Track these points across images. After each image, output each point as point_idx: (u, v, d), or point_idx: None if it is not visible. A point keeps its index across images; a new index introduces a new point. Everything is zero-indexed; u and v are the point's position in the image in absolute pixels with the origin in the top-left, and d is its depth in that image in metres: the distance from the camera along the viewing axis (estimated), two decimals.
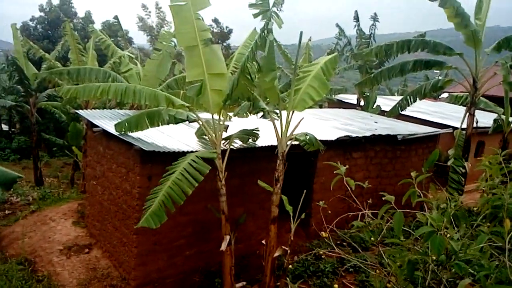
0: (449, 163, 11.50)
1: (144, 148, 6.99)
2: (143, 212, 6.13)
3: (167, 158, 7.05)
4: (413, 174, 2.68)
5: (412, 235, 2.73)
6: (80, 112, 10.06)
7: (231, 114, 8.40)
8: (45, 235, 9.60)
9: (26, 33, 26.60)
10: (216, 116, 7.44)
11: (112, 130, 7.87)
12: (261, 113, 8.17)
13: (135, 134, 7.65)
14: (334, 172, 3.01)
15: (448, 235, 2.29)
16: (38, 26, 29.14)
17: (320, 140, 7.67)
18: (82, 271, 8.24)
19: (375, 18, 18.59)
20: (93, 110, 10.76)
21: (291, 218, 7.18)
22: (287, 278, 7.41)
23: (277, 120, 7.48)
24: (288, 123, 7.29)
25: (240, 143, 8.13)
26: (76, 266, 8.39)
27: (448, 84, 12.73)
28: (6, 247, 9.43)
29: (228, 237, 7.41)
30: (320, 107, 21.09)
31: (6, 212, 12.14)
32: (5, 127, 24.57)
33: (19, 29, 17.01)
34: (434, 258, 2.45)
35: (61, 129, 21.62)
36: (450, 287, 2.80)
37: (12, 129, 24.86)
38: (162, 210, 6.01)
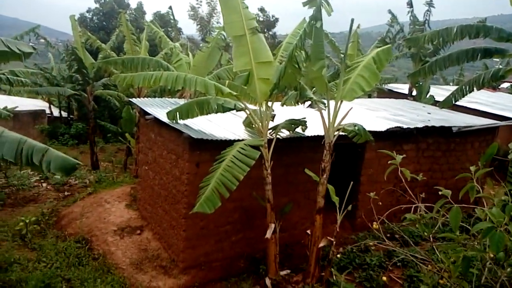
0: (509, 157, 10.78)
1: (193, 136, 7.19)
2: (196, 198, 6.33)
3: (215, 146, 7.21)
4: (472, 168, 2.55)
5: (467, 231, 2.62)
6: (133, 100, 10.49)
7: (278, 103, 8.41)
8: (101, 216, 10.18)
9: (83, 24, 27.94)
10: (263, 105, 7.48)
11: (163, 117, 8.15)
12: (308, 103, 8.09)
13: (185, 122, 7.87)
14: (389, 162, 2.93)
15: (510, 232, 2.18)
16: (94, 17, 30.49)
17: (369, 131, 7.48)
18: (134, 251, 8.67)
19: (430, 3, 17.62)
20: (145, 98, 11.19)
21: (337, 209, 7.10)
22: (332, 269, 7.37)
23: (325, 110, 7.39)
24: (336, 113, 7.18)
25: (287, 132, 8.12)
26: (128, 246, 8.84)
27: (509, 73, 11.84)
28: (65, 226, 10.11)
29: (273, 225, 7.48)
30: (369, 97, 20.51)
31: (66, 193, 13.00)
32: (64, 114, 26.12)
33: (77, 20, 17.87)
34: (492, 255, 2.34)
35: (115, 117, 22.66)
36: (507, 286, 2.66)
37: (71, 116, 26.38)
38: (215, 196, 6.19)
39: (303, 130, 8.07)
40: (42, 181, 14.03)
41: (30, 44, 9.27)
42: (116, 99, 20.31)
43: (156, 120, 8.72)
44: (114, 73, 14.01)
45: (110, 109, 23.30)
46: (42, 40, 18.49)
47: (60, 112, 25.92)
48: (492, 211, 2.24)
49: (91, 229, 9.62)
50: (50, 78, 21.02)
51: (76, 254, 8.52)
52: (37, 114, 23.01)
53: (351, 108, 7.29)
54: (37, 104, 26.11)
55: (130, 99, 11.10)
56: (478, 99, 17.86)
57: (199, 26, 33.75)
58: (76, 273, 7.75)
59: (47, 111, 24.65)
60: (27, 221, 9.48)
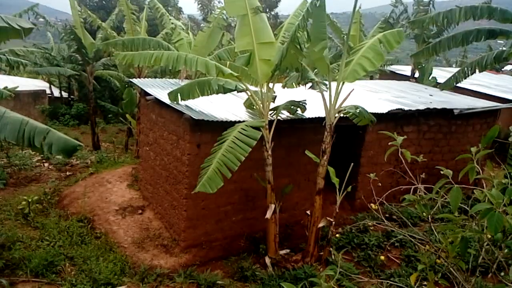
0: (510, 139, 10.79)
1: (194, 117, 7.18)
2: (197, 179, 6.37)
3: (216, 127, 7.21)
4: (473, 149, 2.56)
5: (466, 212, 2.64)
6: (134, 80, 10.43)
7: (279, 84, 8.36)
8: (102, 195, 10.27)
9: (83, 3, 27.50)
10: (264, 87, 7.45)
11: (164, 98, 8.12)
12: (310, 84, 8.05)
13: (185, 103, 7.85)
14: (389, 144, 2.94)
15: (508, 214, 2.20)
16: None
17: (370, 113, 7.47)
18: (136, 230, 8.78)
19: None
20: (145, 79, 11.13)
21: (337, 191, 7.16)
22: (331, 249, 7.48)
23: (326, 91, 7.36)
24: (337, 94, 7.15)
25: (288, 114, 8.11)
26: (130, 226, 8.95)
27: None
28: (68, 206, 10.20)
29: (273, 206, 7.56)
30: (371, 78, 20.36)
31: (67, 173, 13.08)
32: (65, 95, 26.00)
33: None
34: (490, 236, 2.37)
35: (116, 97, 22.56)
36: (504, 267, 2.71)
37: (71, 96, 26.26)
38: (218, 176, 6.22)
39: (302, 112, 8.05)
40: (44, 161, 14.09)
41: None
42: (117, 79, 20.17)
43: (157, 101, 8.69)
44: (114, 53, 13.91)
45: (110, 89, 23.17)
46: (41, 19, 18.21)
47: (60, 93, 25.80)
48: (492, 192, 2.26)
49: (93, 208, 9.72)
50: (50, 58, 20.85)
51: (78, 233, 8.63)
52: (37, 94, 22.88)
53: (353, 89, 7.26)
54: (37, 84, 25.97)
55: (131, 80, 11.04)
56: (481, 81, 17.73)
57: (200, 5, 33.28)
58: (79, 251, 7.87)
59: (48, 91, 24.52)
60: (30, 200, 9.56)
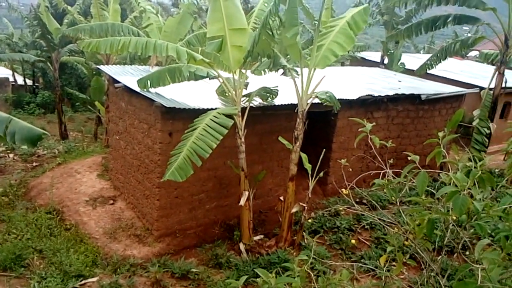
0: (474, 123, 11.23)
1: (165, 105, 7.05)
2: (168, 166, 6.28)
3: (188, 115, 7.11)
4: (440, 134, 2.63)
5: (433, 195, 2.73)
6: (102, 67, 10.11)
7: (250, 71, 8.31)
8: (72, 186, 10.00)
9: None
10: (236, 73, 7.38)
11: (133, 86, 7.92)
12: (282, 71, 8.04)
13: (156, 90, 7.69)
14: (359, 130, 2.98)
15: (471, 196, 2.29)
16: None
17: (341, 99, 7.56)
18: (107, 221, 8.63)
19: None
20: (114, 65, 10.80)
21: (309, 176, 7.25)
22: (304, 233, 7.61)
23: (298, 77, 7.37)
24: (309, 81, 7.18)
25: (260, 101, 8.09)
26: (101, 216, 8.78)
27: (479, 41, 12.15)
28: (35, 197, 9.89)
29: (247, 192, 7.58)
30: (342, 64, 20.58)
31: (34, 164, 12.64)
32: (29, 82, 24.97)
33: None
34: (455, 218, 2.46)
35: (83, 85, 21.88)
36: (468, 247, 2.83)
37: (36, 84, 25.25)
38: (187, 164, 6.15)
39: (273, 99, 8.04)
40: (8, 151, 13.55)
41: None
42: (84, 66, 19.51)
43: (127, 88, 8.47)
44: (80, 38, 13.41)
45: (77, 76, 22.45)
46: (3, 4, 17.32)
47: (24, 80, 24.79)
48: (456, 175, 2.34)
49: (62, 199, 9.46)
50: (12, 44, 19.91)
51: (47, 225, 8.38)
52: (0, 82, 21.90)
53: (324, 76, 7.30)
54: None
55: (99, 67, 10.70)
56: (448, 67, 18.23)
57: None
58: (48, 244, 7.65)
59: (11, 79, 23.49)
60: None
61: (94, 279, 6.80)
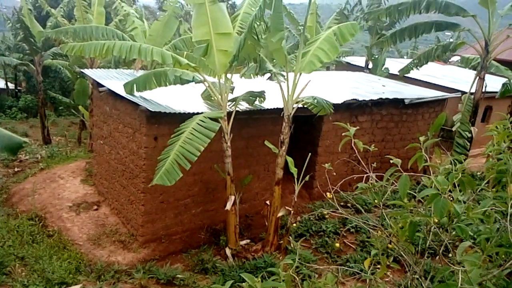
0: (455, 127, 11.45)
1: (150, 109, 7.00)
2: (155, 171, 6.23)
3: (174, 119, 7.08)
4: (421, 138, 2.68)
5: (415, 198, 2.77)
6: (86, 71, 10.00)
7: (237, 75, 8.32)
8: (55, 192, 9.83)
9: None
10: (222, 78, 7.38)
11: (118, 89, 7.85)
12: (268, 75, 8.07)
13: (141, 94, 7.63)
14: (343, 134, 3.02)
15: (452, 199, 2.33)
16: None
17: (327, 103, 7.62)
18: (91, 227, 8.50)
19: None
20: (98, 69, 10.69)
21: (295, 180, 7.27)
22: (290, 237, 7.62)
23: (284, 82, 7.41)
24: (295, 85, 7.23)
25: (246, 105, 8.10)
26: (85, 222, 8.64)
27: (460, 46, 12.45)
28: (17, 203, 9.69)
29: (233, 197, 7.57)
30: (328, 69, 20.76)
31: (16, 169, 12.38)
32: (11, 86, 24.53)
33: None
34: (436, 220, 2.50)
35: (67, 89, 21.57)
36: (450, 249, 2.88)
37: (19, 88, 24.82)
38: (175, 168, 6.12)
39: (261, 103, 8.07)
40: None
41: None
42: (68, 69, 19.24)
43: (111, 93, 8.39)
44: (64, 42, 13.23)
45: (61, 80, 22.13)
46: None
47: (6, 84, 24.33)
48: (438, 179, 2.37)
49: (44, 205, 9.28)
50: None
51: (29, 232, 8.22)
52: None
53: (310, 80, 7.36)
54: None
55: (82, 70, 10.57)
56: (430, 71, 18.55)
57: None
58: (30, 251, 7.50)
59: None
60: None
61: (78, 287, 6.68)
